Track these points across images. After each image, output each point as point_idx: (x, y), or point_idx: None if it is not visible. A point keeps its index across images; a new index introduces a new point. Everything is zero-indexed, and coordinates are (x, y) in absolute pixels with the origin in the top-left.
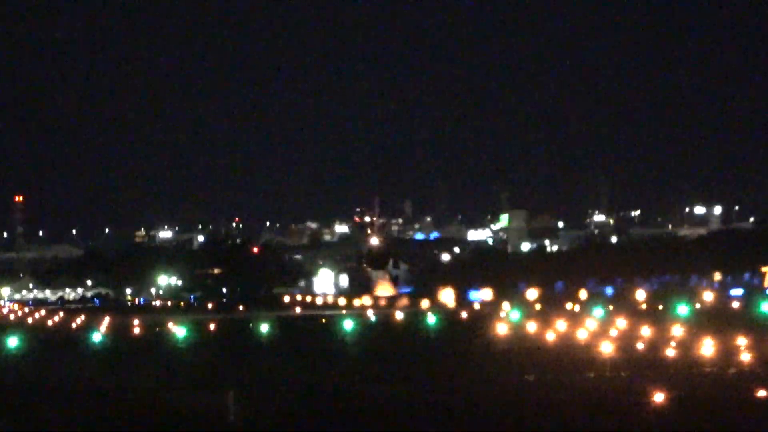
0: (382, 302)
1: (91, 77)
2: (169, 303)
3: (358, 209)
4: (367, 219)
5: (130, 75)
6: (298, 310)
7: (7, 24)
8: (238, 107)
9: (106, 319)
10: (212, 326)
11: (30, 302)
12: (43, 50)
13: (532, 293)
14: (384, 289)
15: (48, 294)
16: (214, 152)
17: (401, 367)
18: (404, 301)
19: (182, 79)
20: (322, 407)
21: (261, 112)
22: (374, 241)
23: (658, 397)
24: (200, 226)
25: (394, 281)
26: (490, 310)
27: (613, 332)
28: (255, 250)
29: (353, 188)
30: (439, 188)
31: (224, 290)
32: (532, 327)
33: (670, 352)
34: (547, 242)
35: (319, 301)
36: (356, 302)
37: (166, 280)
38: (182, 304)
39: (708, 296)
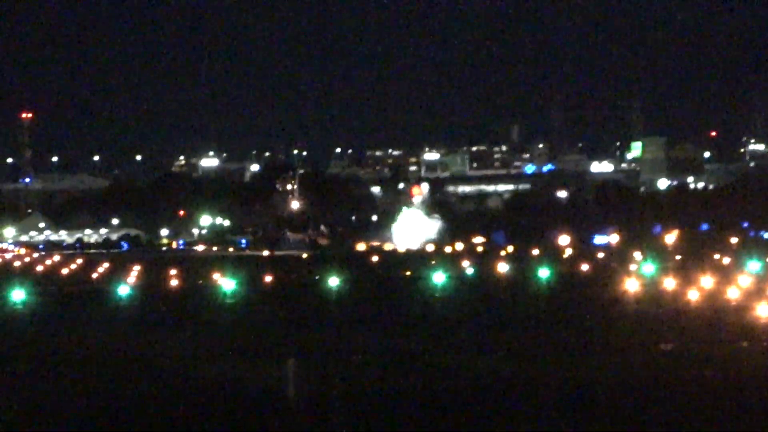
0: (479, 249)
1: None
2: (215, 248)
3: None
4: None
5: None
6: (375, 258)
7: None
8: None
9: (136, 268)
10: (268, 278)
11: (40, 245)
12: None
13: (670, 240)
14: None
15: (63, 236)
16: (270, 62)
17: (504, 334)
18: (507, 250)
19: None
20: (405, 381)
21: (327, 13)
22: (294, 205)
23: None
24: (254, 153)
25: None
26: (618, 261)
27: None
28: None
29: (446, 108)
30: (554, 109)
31: (285, 233)
32: (669, 283)
33: None
34: (690, 178)
35: (400, 248)
36: (448, 250)
37: (210, 219)
38: (231, 249)
39: None
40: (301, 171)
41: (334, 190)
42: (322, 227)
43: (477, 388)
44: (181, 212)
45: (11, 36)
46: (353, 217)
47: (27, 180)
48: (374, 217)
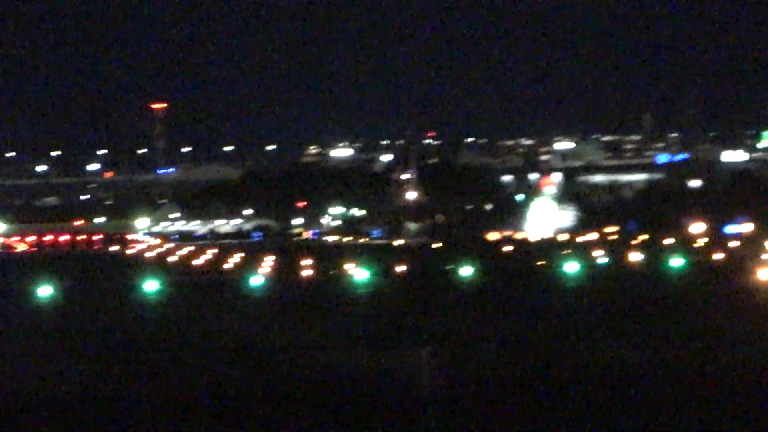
0: (612, 238)
1: None
2: (347, 238)
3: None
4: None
5: None
6: (508, 248)
7: None
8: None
9: (269, 258)
10: (400, 268)
11: (173, 236)
12: None
13: None
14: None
15: (196, 226)
16: (405, 51)
17: (632, 322)
18: (640, 239)
19: None
20: (536, 369)
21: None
22: (412, 195)
23: None
24: (386, 143)
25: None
26: (751, 250)
27: None
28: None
29: (578, 98)
30: (687, 98)
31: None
32: None
33: None
34: None
35: (532, 238)
36: (580, 240)
37: (341, 209)
38: (363, 239)
39: None
40: (432, 161)
41: (459, 180)
42: (439, 216)
43: (607, 375)
44: (302, 203)
45: (146, 28)
46: (476, 207)
47: (170, 170)
48: (489, 206)
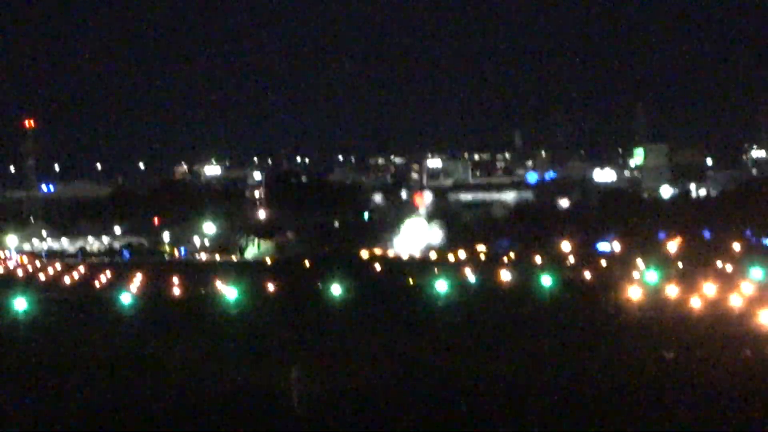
0: (482, 257)
1: None
2: (218, 256)
3: None
4: None
5: None
6: (378, 267)
7: None
8: (300, 11)
9: (138, 276)
10: (271, 287)
11: (43, 254)
12: None
13: (673, 247)
14: None
15: (65, 244)
16: (271, 66)
17: (504, 340)
18: (510, 258)
19: None
20: (410, 386)
21: (328, 18)
22: (262, 212)
23: None
24: (256, 161)
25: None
26: (621, 268)
27: None
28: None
29: (448, 115)
30: (556, 116)
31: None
32: (672, 291)
33: None
34: (693, 185)
35: (403, 256)
36: (451, 258)
37: (213, 227)
38: (234, 257)
39: None
40: (301, 179)
41: (325, 197)
42: (289, 233)
43: (478, 390)
44: (168, 220)
45: (10, 42)
46: (342, 224)
47: (48, 187)
48: (356, 224)
